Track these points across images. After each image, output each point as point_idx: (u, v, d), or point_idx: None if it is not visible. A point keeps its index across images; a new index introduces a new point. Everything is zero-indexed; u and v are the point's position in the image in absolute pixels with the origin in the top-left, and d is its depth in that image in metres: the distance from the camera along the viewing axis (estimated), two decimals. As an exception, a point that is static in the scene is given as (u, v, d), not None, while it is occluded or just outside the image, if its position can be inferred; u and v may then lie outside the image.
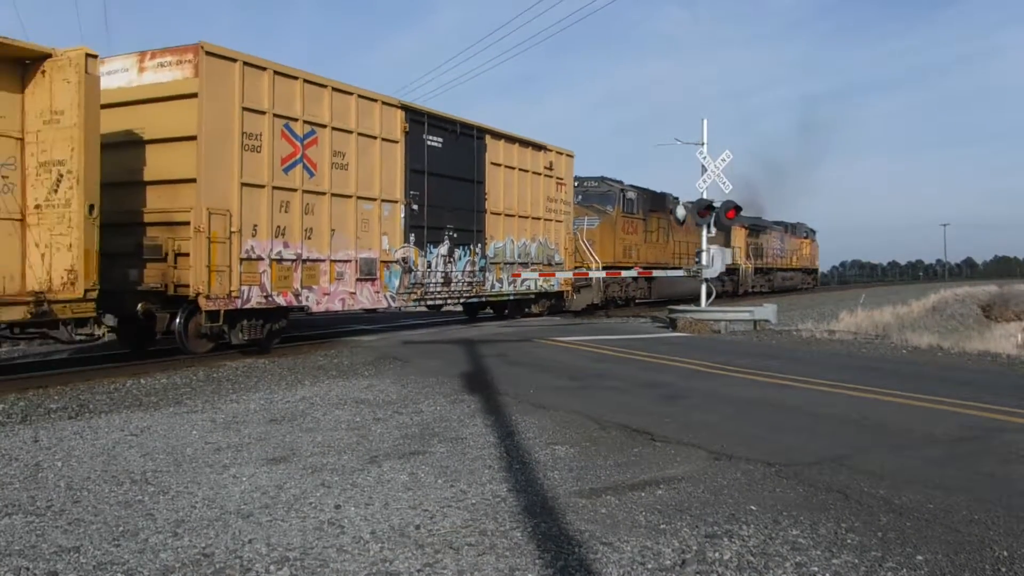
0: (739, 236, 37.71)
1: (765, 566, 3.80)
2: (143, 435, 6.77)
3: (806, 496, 4.91)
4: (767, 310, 18.48)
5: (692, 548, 4.04)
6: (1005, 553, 3.96)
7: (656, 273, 24.05)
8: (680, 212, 21.25)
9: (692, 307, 19.75)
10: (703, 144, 19.01)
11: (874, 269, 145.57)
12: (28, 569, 3.79)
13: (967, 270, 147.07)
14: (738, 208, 19.20)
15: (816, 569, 3.77)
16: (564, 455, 5.98)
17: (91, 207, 9.28)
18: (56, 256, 9.42)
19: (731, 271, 34.81)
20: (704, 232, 19.34)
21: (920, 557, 3.90)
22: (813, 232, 52.88)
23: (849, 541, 4.12)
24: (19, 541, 4.18)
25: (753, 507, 4.69)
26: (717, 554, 3.95)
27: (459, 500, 4.87)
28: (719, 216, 19.04)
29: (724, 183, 18.84)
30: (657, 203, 27.63)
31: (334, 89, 13.25)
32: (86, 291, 9.28)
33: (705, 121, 19.11)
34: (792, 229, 47.92)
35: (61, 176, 9.38)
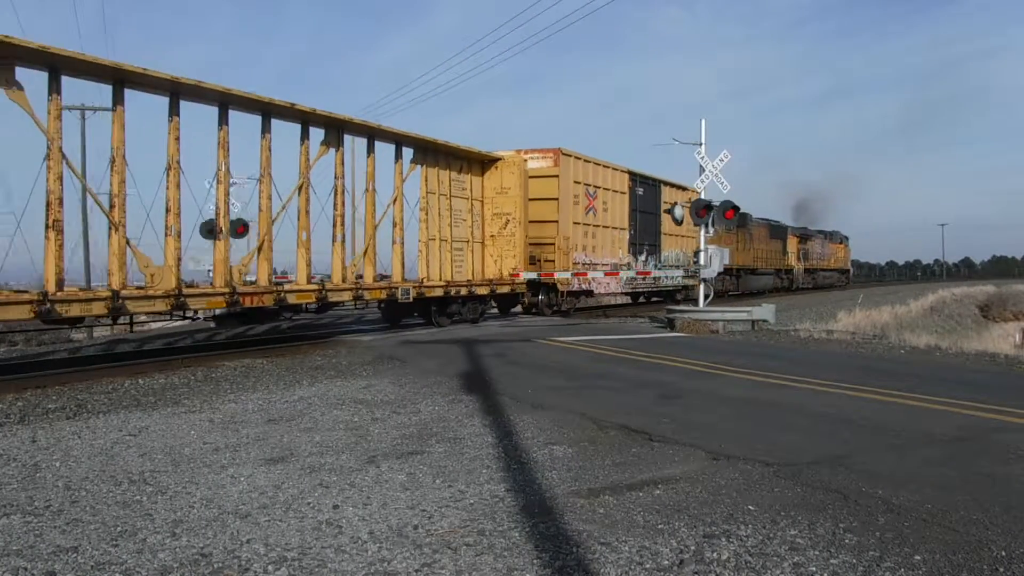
0: (792, 243, 46.83)
1: (763, 566, 3.80)
2: (141, 435, 6.76)
3: (804, 496, 4.91)
4: (765, 310, 18.43)
5: (690, 548, 4.04)
6: (1003, 553, 3.96)
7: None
8: (678, 212, 21.29)
9: (691, 307, 19.75)
10: (701, 144, 19.01)
11: (872, 269, 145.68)
12: (26, 569, 3.79)
13: (965, 270, 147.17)
14: (736, 208, 19.21)
15: (814, 569, 3.77)
16: (562, 455, 5.98)
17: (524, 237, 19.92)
18: (504, 262, 19.67)
19: (788, 271, 45.53)
20: (702, 232, 19.34)
21: (918, 557, 3.90)
22: (846, 238, 62.65)
23: (847, 541, 4.13)
24: (17, 541, 4.17)
25: (751, 507, 4.69)
26: (715, 554, 3.95)
27: (457, 500, 4.87)
28: (719, 216, 19.05)
29: (723, 183, 18.85)
30: (741, 220, 37.11)
31: (604, 166, 23.86)
32: (526, 280, 20.15)
33: (704, 121, 19.18)
34: (830, 236, 57.84)
35: (508, 220, 19.57)
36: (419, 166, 17.02)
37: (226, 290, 12.22)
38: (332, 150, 14.69)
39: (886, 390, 8.83)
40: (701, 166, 18.91)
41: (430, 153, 17.33)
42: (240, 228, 17.23)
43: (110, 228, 11.12)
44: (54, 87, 10.25)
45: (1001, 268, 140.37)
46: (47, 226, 10.10)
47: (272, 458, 5.94)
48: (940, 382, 9.73)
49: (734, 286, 37.08)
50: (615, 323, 20.75)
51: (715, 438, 6.47)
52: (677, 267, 27.80)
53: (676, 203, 22.66)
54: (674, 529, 4.32)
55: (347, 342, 14.49)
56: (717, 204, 18.88)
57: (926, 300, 39.33)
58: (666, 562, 3.86)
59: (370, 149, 15.70)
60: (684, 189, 27.78)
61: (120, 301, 10.59)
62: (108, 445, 6.39)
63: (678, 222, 22.45)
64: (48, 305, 9.70)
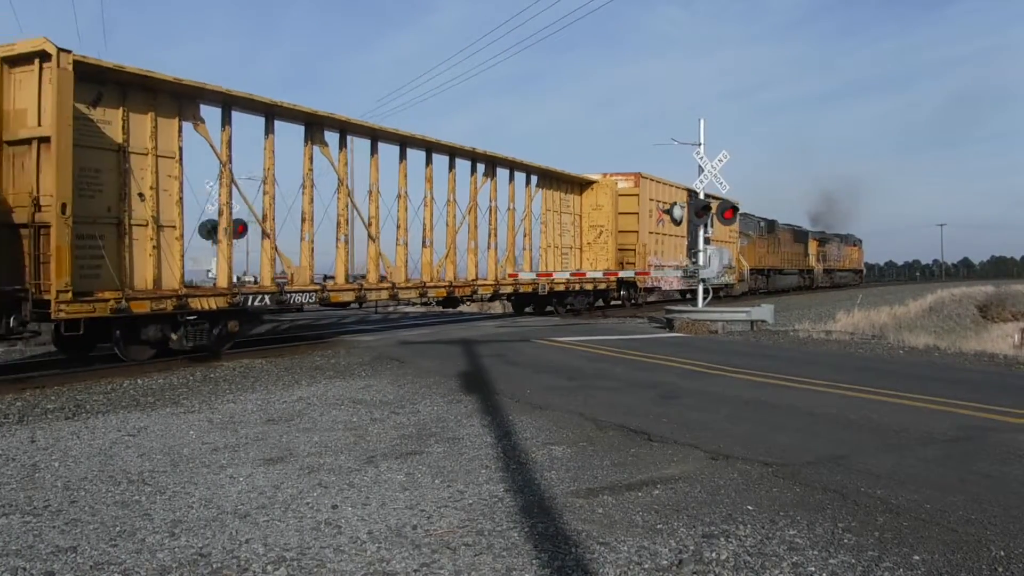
0: (813, 246, 51.25)
1: (762, 566, 3.80)
2: (140, 435, 6.76)
3: (803, 496, 4.91)
4: (764, 310, 18.40)
5: (689, 548, 4.04)
6: (1002, 553, 3.97)
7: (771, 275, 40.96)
8: (677, 212, 21.32)
9: (689, 307, 19.74)
10: (700, 144, 19.02)
11: (871, 269, 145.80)
12: (25, 569, 3.78)
13: (964, 270, 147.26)
14: (735, 208, 19.21)
15: (813, 569, 3.77)
16: (561, 455, 5.98)
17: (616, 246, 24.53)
18: (598, 264, 23.73)
19: (809, 271, 49.83)
20: (701, 232, 19.35)
21: (917, 557, 3.90)
22: (860, 241, 68.10)
23: (846, 541, 4.13)
24: (16, 541, 4.17)
25: (750, 507, 4.69)
26: (714, 554, 3.95)
27: (456, 500, 4.87)
28: (720, 216, 19.06)
29: (722, 183, 18.86)
30: (771, 227, 42.02)
31: (668, 184, 27.71)
32: (617, 279, 24.56)
33: (702, 121, 19.20)
34: (845, 239, 62.88)
35: (602, 231, 24.10)
36: (541, 189, 22.07)
37: (367, 284, 15.90)
38: (489, 180, 19.69)
39: (885, 390, 8.84)
40: (700, 166, 18.92)
41: (549, 179, 22.34)
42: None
43: (263, 236, 13.76)
44: (226, 119, 12.69)
45: (1000, 268, 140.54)
46: (227, 233, 12.91)
47: (271, 458, 5.94)
48: (939, 382, 9.73)
49: (764, 285, 40.60)
50: (614, 323, 20.76)
51: (714, 438, 6.47)
52: (723, 267, 33.38)
53: (675, 203, 22.72)
54: (673, 529, 4.32)
55: (346, 342, 14.49)
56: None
57: (925, 300, 39.34)
58: (665, 562, 3.86)
59: (490, 174, 19.82)
60: (727, 202, 32.95)
61: (286, 294, 13.67)
62: (107, 445, 6.39)
63: (677, 222, 22.54)
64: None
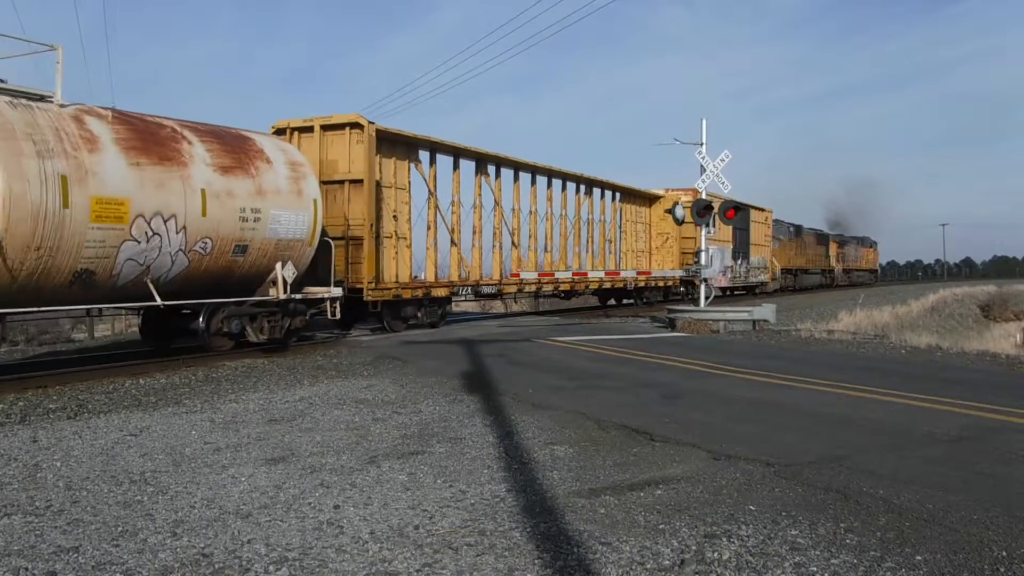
0: (833, 247, 56.07)
1: (764, 566, 3.80)
2: (142, 435, 6.77)
3: (805, 496, 4.91)
4: (766, 310, 18.38)
5: (691, 548, 4.04)
6: (1004, 553, 3.96)
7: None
8: (679, 212, 21.32)
9: (691, 307, 19.73)
10: (702, 144, 19.01)
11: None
12: (27, 569, 3.79)
13: (966, 270, 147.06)
14: (737, 208, 19.19)
15: (815, 569, 3.77)
16: (563, 455, 5.98)
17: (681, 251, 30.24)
18: (665, 264, 29.15)
19: (830, 271, 54.59)
20: (703, 232, 19.34)
21: (919, 557, 3.90)
22: (875, 243, 73.63)
23: (848, 541, 4.12)
24: (18, 541, 4.17)
25: (752, 507, 4.69)
26: (716, 554, 3.95)
27: (458, 500, 4.87)
28: (721, 216, 19.04)
29: (724, 183, 18.84)
30: (798, 231, 47.50)
31: (715, 196, 24.23)
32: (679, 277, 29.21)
33: (704, 121, 19.23)
34: (861, 241, 68.30)
35: (667, 238, 29.76)
36: (622, 204, 27.39)
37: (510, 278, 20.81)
38: (588, 197, 24.74)
39: (887, 390, 8.83)
40: (702, 166, 18.91)
41: (628, 195, 27.72)
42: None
43: (452, 243, 18.56)
44: (432, 160, 17.73)
45: (1002, 268, 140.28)
46: (435, 242, 17.97)
47: (273, 458, 5.94)
48: (941, 382, 9.72)
49: (793, 283, 45.62)
50: (616, 323, 20.75)
51: (716, 438, 6.47)
52: (760, 268, 38.70)
53: (677, 203, 22.72)
54: (675, 529, 4.32)
55: (348, 342, 14.50)
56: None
57: (927, 300, 39.27)
58: (667, 562, 3.86)
59: (588, 192, 24.75)
60: (761, 210, 38.92)
61: (480, 286, 19.29)
62: (109, 445, 6.39)
63: (679, 222, 22.55)
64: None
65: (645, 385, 9.33)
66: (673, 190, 29.61)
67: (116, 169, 10.17)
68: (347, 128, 15.26)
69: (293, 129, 15.62)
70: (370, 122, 15.15)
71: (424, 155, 17.35)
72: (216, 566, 3.83)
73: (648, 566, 3.80)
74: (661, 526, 4.37)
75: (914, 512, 4.57)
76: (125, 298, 11.12)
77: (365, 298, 14.94)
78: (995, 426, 6.96)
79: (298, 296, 13.15)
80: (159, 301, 10.83)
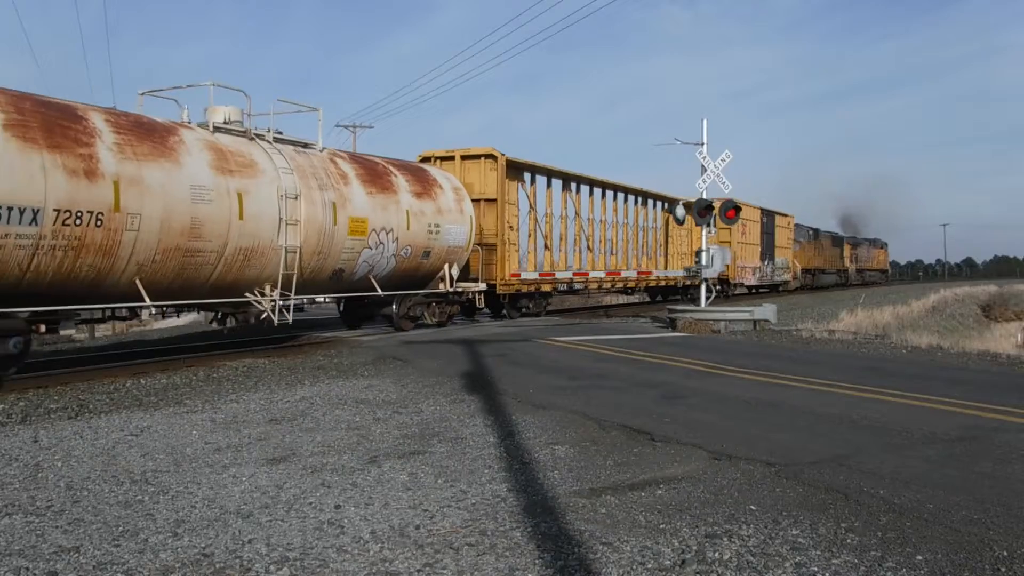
0: (847, 249, 59.92)
1: (765, 566, 3.80)
2: (143, 435, 6.77)
3: (806, 496, 4.91)
4: (766, 310, 18.34)
5: (692, 548, 4.04)
6: (1005, 553, 3.96)
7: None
8: (679, 212, 21.32)
9: (692, 307, 19.70)
10: (703, 144, 19.00)
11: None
12: (28, 569, 3.79)
13: (967, 270, 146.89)
14: (737, 208, 19.19)
15: (816, 569, 3.77)
16: (564, 455, 5.98)
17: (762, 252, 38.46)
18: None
19: (844, 271, 58.28)
20: (704, 232, 19.34)
21: (920, 557, 3.90)
22: (886, 244, 77.86)
23: (849, 541, 4.12)
24: (19, 541, 4.18)
25: (753, 507, 4.69)
26: (717, 554, 3.95)
27: (459, 500, 4.87)
28: (722, 216, 19.04)
29: (724, 183, 18.83)
30: (816, 234, 51.62)
31: (749, 206, 34.00)
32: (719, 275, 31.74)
33: (705, 121, 19.23)
34: (873, 242, 72.49)
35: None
36: (669, 212, 28.40)
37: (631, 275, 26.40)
38: (644, 208, 27.98)
39: (888, 390, 8.82)
40: (703, 166, 18.89)
41: (673, 204, 28.24)
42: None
43: (545, 247, 21.73)
44: (531, 180, 21.15)
45: (1003, 268, 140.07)
46: (535, 247, 21.34)
47: (274, 458, 5.94)
48: (942, 382, 9.71)
49: (811, 282, 49.20)
50: (616, 323, 20.75)
51: (717, 438, 6.47)
52: (783, 268, 42.60)
53: (678, 203, 22.71)
54: (676, 529, 4.32)
55: (349, 342, 14.50)
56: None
57: (928, 300, 39.22)
58: (668, 562, 3.85)
59: (644, 203, 27.87)
60: (784, 215, 43.44)
61: (574, 281, 23.30)
62: (110, 445, 6.39)
63: (680, 222, 22.54)
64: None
65: (646, 385, 9.33)
66: (714, 200, 33.32)
67: (360, 196, 14.43)
68: (482, 158, 19.25)
69: (437, 157, 19.54)
70: (502, 154, 19.11)
71: (527, 176, 20.93)
72: (217, 566, 3.83)
73: (649, 566, 3.80)
74: (662, 526, 4.37)
75: (915, 512, 4.57)
76: (355, 289, 15.26)
77: (498, 291, 18.98)
78: (996, 426, 6.96)
79: (459, 289, 17.65)
80: (379, 292, 15.39)
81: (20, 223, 8.99)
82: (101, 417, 7.61)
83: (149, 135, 10.90)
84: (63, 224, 9.41)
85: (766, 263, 39.20)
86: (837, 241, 57.98)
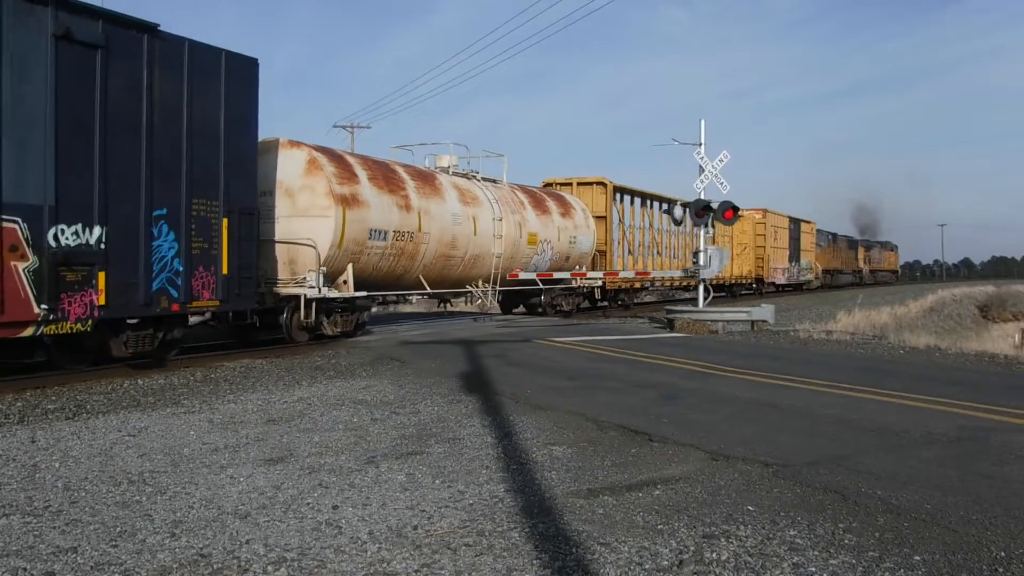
0: (861, 251, 65.02)
1: (762, 566, 3.80)
2: (140, 436, 6.76)
3: (803, 496, 4.91)
4: (764, 311, 18.35)
5: (690, 548, 4.04)
6: (1002, 553, 3.96)
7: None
8: (678, 212, 21.31)
9: (690, 307, 19.70)
10: (701, 144, 19.01)
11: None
12: (25, 570, 3.79)
13: (965, 271, 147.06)
14: (735, 209, 19.19)
15: (814, 569, 3.77)
16: (562, 455, 5.98)
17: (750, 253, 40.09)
18: (744, 268, 37.57)
19: (858, 271, 63.16)
20: (702, 233, 19.34)
21: (917, 557, 3.90)
22: (896, 247, 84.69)
23: (847, 541, 4.13)
24: (16, 541, 4.17)
25: (751, 507, 4.69)
26: (714, 554, 3.95)
27: (457, 501, 4.87)
28: (720, 216, 19.03)
29: (722, 183, 18.84)
30: (834, 238, 56.51)
31: (777, 214, 41.49)
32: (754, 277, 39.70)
33: (703, 122, 19.25)
34: (884, 245, 78.51)
35: (745, 247, 37.49)
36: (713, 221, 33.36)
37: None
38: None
39: (885, 390, 8.83)
40: (700, 166, 18.90)
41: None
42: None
43: (629, 252, 25.88)
44: (621, 199, 25.84)
45: (1001, 268, 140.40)
46: (622, 251, 25.75)
47: (271, 458, 5.94)
48: (939, 382, 9.73)
49: (830, 281, 53.42)
50: (615, 323, 20.76)
51: (714, 438, 6.47)
52: (807, 269, 47.09)
53: (677, 203, 22.72)
54: (673, 529, 4.32)
55: (347, 342, 14.48)
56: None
57: (925, 301, 39.29)
58: (665, 562, 3.86)
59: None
60: (808, 222, 47.86)
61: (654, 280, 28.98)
62: (107, 445, 6.39)
63: (677, 222, 22.53)
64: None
65: (643, 385, 9.33)
66: (749, 209, 37.12)
67: (532, 217, 20.24)
68: (594, 184, 25.03)
69: (558, 183, 25.29)
70: (610, 181, 25.00)
71: (618, 195, 25.74)
72: (215, 566, 3.82)
73: (646, 566, 3.81)
74: (659, 526, 4.37)
75: (912, 512, 4.57)
76: (523, 283, 20.31)
77: (607, 287, 24.61)
78: (994, 426, 6.97)
79: (585, 283, 23.04)
80: (540, 285, 20.85)
81: (380, 239, 14.66)
82: (99, 417, 7.61)
83: (427, 181, 16.79)
84: (397, 240, 15.15)
85: (793, 264, 44.26)
86: (852, 244, 63.23)
